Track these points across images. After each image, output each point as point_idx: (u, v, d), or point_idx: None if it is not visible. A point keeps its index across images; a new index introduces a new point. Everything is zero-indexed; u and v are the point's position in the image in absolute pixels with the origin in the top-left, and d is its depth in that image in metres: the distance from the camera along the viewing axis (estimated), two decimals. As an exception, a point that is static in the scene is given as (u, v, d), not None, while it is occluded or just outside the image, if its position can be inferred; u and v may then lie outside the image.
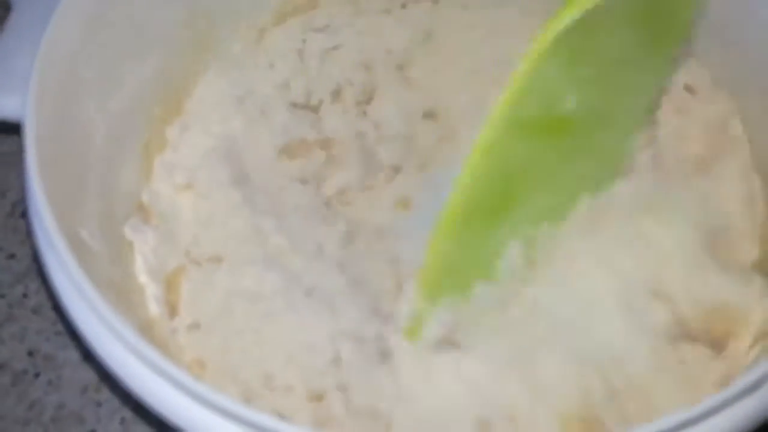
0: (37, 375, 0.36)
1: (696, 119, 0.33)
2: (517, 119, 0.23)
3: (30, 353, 0.37)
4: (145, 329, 0.30)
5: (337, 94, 0.36)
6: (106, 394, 0.35)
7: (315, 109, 0.36)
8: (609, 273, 0.27)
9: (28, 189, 0.26)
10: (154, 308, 0.31)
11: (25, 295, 0.38)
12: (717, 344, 0.27)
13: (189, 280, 0.31)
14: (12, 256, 0.39)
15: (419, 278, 0.26)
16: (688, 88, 0.34)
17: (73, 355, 0.36)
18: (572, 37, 0.22)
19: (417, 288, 0.26)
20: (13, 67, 0.28)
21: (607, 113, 0.25)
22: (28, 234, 0.38)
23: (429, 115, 0.34)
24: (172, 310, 0.31)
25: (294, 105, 0.35)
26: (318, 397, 0.27)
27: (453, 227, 0.25)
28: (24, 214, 0.40)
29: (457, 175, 0.24)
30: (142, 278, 0.31)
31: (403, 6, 0.37)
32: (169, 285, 0.31)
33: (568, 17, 0.22)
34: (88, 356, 0.36)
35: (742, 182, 0.32)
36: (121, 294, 0.29)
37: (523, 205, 0.25)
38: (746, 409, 0.21)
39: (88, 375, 0.36)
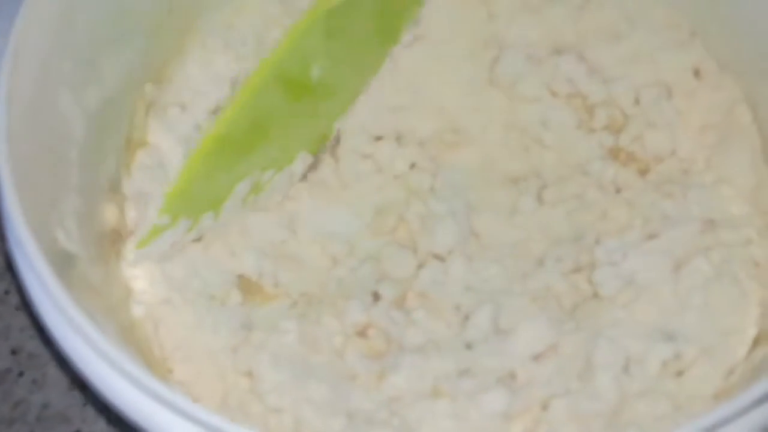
0: (21, 374, 0.35)
1: (703, 105, 0.33)
2: (276, 75, 0.31)
3: (13, 351, 0.36)
4: (127, 330, 0.29)
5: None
6: (91, 392, 0.35)
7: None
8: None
9: (2, 192, 0.25)
10: (137, 309, 0.30)
11: (7, 292, 0.37)
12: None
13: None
14: (-8, 255, 0.38)
15: (166, 196, 0.30)
16: (696, 72, 0.33)
17: (58, 353, 0.35)
18: (331, 18, 0.30)
19: (162, 205, 0.30)
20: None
21: (337, 86, 0.32)
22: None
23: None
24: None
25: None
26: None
27: (206, 157, 0.30)
28: (4, 208, 0.39)
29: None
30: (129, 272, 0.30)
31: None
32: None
33: (331, 2, 0.30)
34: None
35: (751, 174, 0.31)
36: (102, 296, 0.28)
37: (259, 153, 0.31)
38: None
39: (74, 373, 0.35)
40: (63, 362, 0.35)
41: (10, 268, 0.37)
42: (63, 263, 0.25)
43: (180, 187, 0.30)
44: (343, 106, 0.34)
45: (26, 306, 0.36)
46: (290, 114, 0.32)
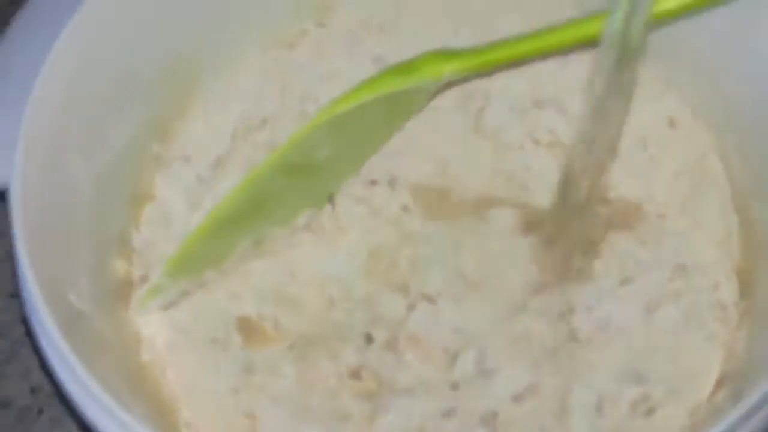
0: (40, 412, 0.37)
1: (677, 153, 0.34)
2: (281, 164, 0.33)
3: (33, 390, 0.38)
4: (138, 375, 0.31)
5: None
6: None
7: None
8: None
9: (16, 258, 0.27)
10: (145, 354, 0.32)
11: (27, 334, 0.39)
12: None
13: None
14: (14, 296, 0.40)
15: (167, 263, 0.32)
16: (670, 122, 0.35)
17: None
18: (337, 119, 0.32)
19: (164, 269, 0.32)
20: (-3, 134, 0.29)
21: (342, 161, 0.35)
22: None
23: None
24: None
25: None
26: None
27: (208, 231, 0.32)
28: (23, 254, 0.41)
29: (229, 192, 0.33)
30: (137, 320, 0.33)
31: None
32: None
33: (338, 108, 0.32)
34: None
35: (721, 220, 0.32)
36: (113, 345, 0.30)
37: (262, 220, 0.34)
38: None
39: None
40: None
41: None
42: (75, 321, 0.27)
43: (180, 256, 0.32)
44: (348, 173, 0.35)
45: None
46: (294, 188, 0.34)
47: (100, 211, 0.32)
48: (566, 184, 0.32)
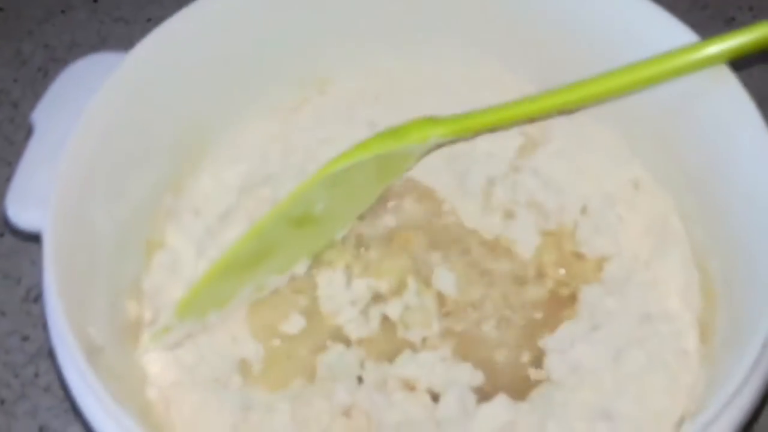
0: (46, 449, 0.39)
1: (642, 213, 0.37)
2: (283, 216, 0.36)
3: (41, 429, 0.40)
4: (144, 410, 0.34)
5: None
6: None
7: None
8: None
9: (45, 294, 0.30)
10: (151, 392, 0.35)
11: (36, 375, 0.41)
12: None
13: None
14: (26, 338, 0.42)
15: (178, 304, 0.35)
16: (635, 185, 0.38)
17: (80, 431, 0.40)
18: (334, 176, 0.36)
19: (173, 311, 0.35)
20: (33, 184, 0.32)
21: (339, 213, 0.38)
22: (40, 317, 0.42)
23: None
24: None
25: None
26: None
27: (216, 276, 0.36)
28: (37, 299, 0.43)
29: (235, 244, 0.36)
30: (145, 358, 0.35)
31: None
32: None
33: (335, 166, 0.36)
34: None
35: (682, 275, 0.35)
36: (123, 381, 0.32)
37: (263, 267, 0.37)
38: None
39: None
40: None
41: (39, 354, 0.42)
42: (92, 355, 0.30)
43: (190, 298, 0.35)
44: (345, 223, 0.38)
45: (53, 387, 0.41)
46: (294, 238, 0.37)
47: (117, 256, 0.35)
48: None
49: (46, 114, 0.34)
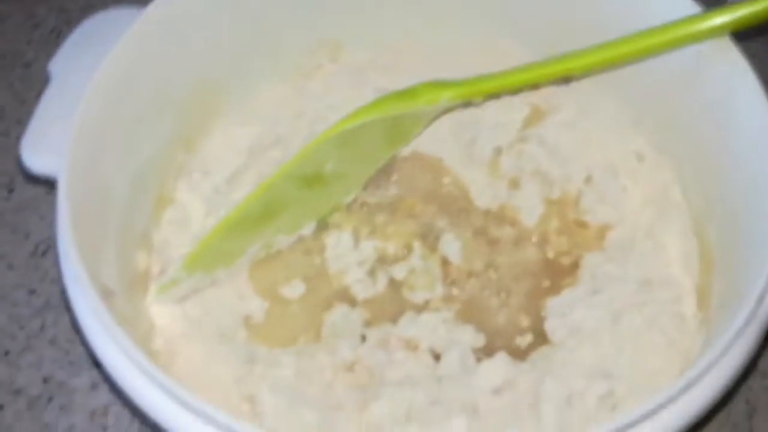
0: (50, 400, 0.40)
1: (644, 183, 0.38)
2: (292, 174, 0.36)
3: (45, 380, 0.40)
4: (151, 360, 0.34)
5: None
6: (112, 418, 0.39)
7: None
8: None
9: (58, 234, 0.30)
10: (157, 342, 0.35)
11: (42, 328, 0.42)
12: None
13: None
14: (33, 292, 0.43)
15: (187, 257, 0.36)
16: (638, 156, 0.39)
17: (85, 382, 0.40)
18: (344, 135, 0.36)
19: (182, 263, 0.36)
20: (49, 130, 0.33)
21: (348, 174, 0.38)
22: (48, 271, 0.43)
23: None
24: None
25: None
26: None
27: (225, 230, 0.36)
28: (45, 254, 0.44)
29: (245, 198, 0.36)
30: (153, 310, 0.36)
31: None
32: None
33: (344, 125, 0.36)
34: (98, 384, 0.40)
35: (681, 243, 0.36)
36: (132, 327, 0.33)
37: (271, 226, 0.37)
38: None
39: (97, 401, 0.39)
40: (88, 391, 0.40)
41: (46, 307, 0.42)
42: (104, 296, 0.30)
43: (199, 251, 0.36)
44: (353, 187, 0.39)
45: (58, 340, 0.42)
46: (303, 197, 0.37)
47: (128, 207, 0.35)
48: None
49: (64, 64, 0.35)
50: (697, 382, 0.27)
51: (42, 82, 0.36)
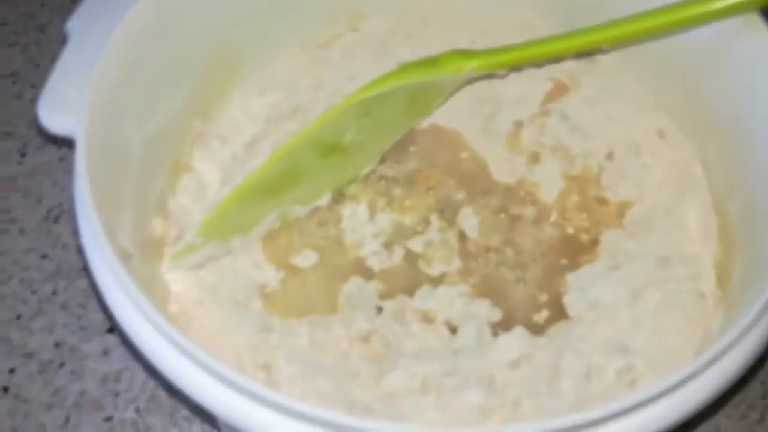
0: (62, 365, 0.40)
1: (665, 161, 0.38)
2: (312, 140, 0.36)
3: (56, 345, 0.40)
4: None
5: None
6: (124, 384, 0.39)
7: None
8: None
9: (77, 193, 0.30)
10: (173, 307, 0.35)
11: (54, 292, 0.42)
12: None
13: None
14: (45, 257, 0.43)
15: (203, 223, 0.35)
16: (659, 133, 0.39)
17: (96, 348, 0.40)
18: (365, 103, 0.36)
19: (198, 229, 0.35)
20: (67, 90, 0.32)
21: (367, 145, 0.38)
22: (60, 237, 0.43)
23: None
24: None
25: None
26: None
27: (242, 197, 0.35)
28: (57, 220, 0.44)
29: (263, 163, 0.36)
30: (168, 276, 0.35)
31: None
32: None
33: (367, 92, 0.36)
34: (109, 350, 0.40)
35: (702, 220, 0.36)
36: (148, 291, 0.33)
37: (289, 195, 0.37)
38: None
39: (109, 366, 0.40)
40: (100, 356, 0.40)
41: (58, 273, 0.42)
42: (122, 258, 0.30)
43: (215, 218, 0.35)
44: (371, 158, 0.38)
45: (70, 305, 0.41)
46: (321, 167, 0.37)
47: (145, 172, 0.35)
48: None
49: (82, 24, 0.34)
50: (717, 360, 0.27)
51: (57, 45, 0.36)
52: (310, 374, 0.33)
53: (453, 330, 0.35)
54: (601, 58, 0.40)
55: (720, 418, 0.36)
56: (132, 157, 0.34)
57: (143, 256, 0.34)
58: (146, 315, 0.27)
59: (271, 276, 0.37)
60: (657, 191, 0.37)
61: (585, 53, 0.37)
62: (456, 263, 0.37)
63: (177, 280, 0.36)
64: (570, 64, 0.39)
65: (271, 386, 0.33)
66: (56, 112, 0.32)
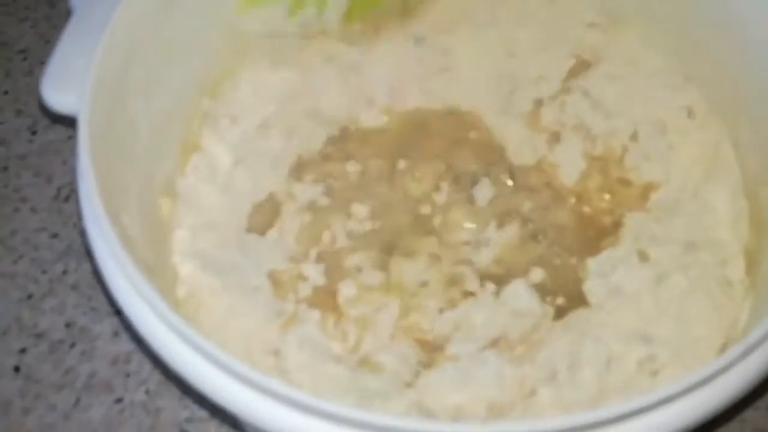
0: (72, 345, 0.39)
1: (693, 142, 0.36)
2: None
3: (67, 325, 0.40)
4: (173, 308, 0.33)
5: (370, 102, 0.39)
6: (134, 365, 0.39)
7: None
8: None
9: (79, 175, 0.29)
10: (181, 290, 0.34)
11: (65, 272, 0.41)
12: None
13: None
14: (55, 236, 0.42)
15: None
16: (689, 112, 0.37)
17: (107, 329, 0.39)
18: None
19: None
20: (71, 67, 0.31)
21: None
22: (71, 216, 0.42)
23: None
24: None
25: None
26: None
27: None
28: (67, 199, 0.43)
29: None
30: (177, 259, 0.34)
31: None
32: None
33: None
34: (120, 331, 0.39)
35: (731, 204, 0.34)
36: (154, 275, 0.32)
37: None
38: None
39: (119, 348, 0.39)
40: (110, 338, 0.39)
41: (68, 252, 0.42)
42: (127, 244, 0.29)
43: None
44: None
45: (81, 286, 0.41)
46: None
47: (152, 151, 0.34)
48: None
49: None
50: (747, 355, 0.25)
51: (67, 20, 0.34)
52: (320, 361, 0.33)
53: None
54: (625, 31, 0.38)
55: (747, 410, 0.35)
56: (138, 135, 0.33)
57: (150, 238, 0.33)
58: (148, 301, 0.26)
59: (281, 263, 0.36)
60: (684, 173, 0.35)
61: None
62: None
63: (184, 263, 0.35)
64: (593, 38, 0.38)
65: (281, 373, 0.32)
66: (60, 89, 0.31)
